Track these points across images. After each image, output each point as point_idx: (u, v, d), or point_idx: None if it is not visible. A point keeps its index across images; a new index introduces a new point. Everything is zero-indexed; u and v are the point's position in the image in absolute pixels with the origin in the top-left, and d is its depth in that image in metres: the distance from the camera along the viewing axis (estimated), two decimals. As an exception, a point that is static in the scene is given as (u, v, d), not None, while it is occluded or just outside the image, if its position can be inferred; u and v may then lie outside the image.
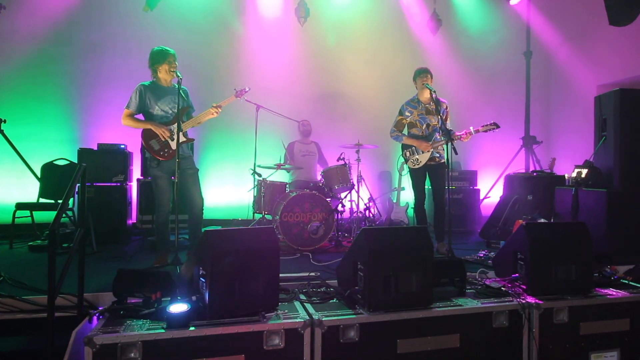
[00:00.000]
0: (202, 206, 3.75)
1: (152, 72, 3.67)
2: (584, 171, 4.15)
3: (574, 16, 6.59)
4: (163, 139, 3.54)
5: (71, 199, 4.48)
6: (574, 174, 4.25)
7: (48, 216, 4.46)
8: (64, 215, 4.42)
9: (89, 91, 5.71)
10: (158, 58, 3.61)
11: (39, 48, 5.53)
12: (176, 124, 3.48)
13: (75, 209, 4.65)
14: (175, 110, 3.58)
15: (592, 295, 2.59)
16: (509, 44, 7.12)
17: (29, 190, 4.86)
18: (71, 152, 5.19)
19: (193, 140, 3.73)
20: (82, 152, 4.85)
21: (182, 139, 3.55)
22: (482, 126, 4.04)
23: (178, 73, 3.53)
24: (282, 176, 5.68)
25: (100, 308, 2.19)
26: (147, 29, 5.76)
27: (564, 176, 4.80)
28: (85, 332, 1.92)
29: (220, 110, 3.65)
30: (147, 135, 3.54)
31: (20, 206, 4.40)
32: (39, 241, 4.30)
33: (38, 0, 5.50)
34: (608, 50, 6.07)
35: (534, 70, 7.12)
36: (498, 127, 4.00)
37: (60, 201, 2.37)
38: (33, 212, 4.58)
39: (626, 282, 2.90)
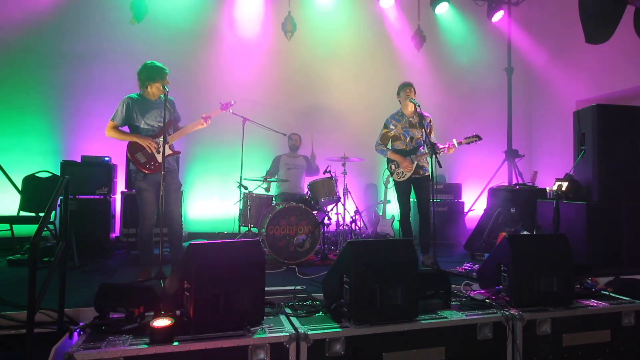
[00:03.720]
0: (181, 223, 3.73)
1: (140, 85, 3.59)
2: (565, 184, 4.24)
3: (553, 34, 6.81)
4: (149, 152, 3.51)
5: (53, 212, 4.39)
6: (555, 187, 4.34)
7: (28, 230, 4.36)
8: (45, 228, 4.34)
9: (72, 102, 5.64)
10: (154, 75, 3.53)
11: (22, 57, 5.47)
12: (162, 136, 3.46)
13: (57, 222, 4.57)
14: (162, 124, 3.56)
15: (573, 306, 2.64)
16: (491, 60, 7.31)
17: (9, 203, 4.76)
18: (54, 164, 5.11)
19: (179, 152, 3.70)
20: (65, 164, 4.78)
21: (168, 151, 3.53)
22: (465, 138, 4.12)
23: (165, 87, 3.50)
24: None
25: (81, 324, 2.15)
26: (134, 41, 5.75)
27: (545, 189, 4.89)
28: (65, 349, 1.88)
29: (209, 121, 3.64)
30: (133, 147, 3.50)
31: (-1, 219, 4.30)
32: (18, 255, 4.18)
33: (22, 9, 5.45)
34: (586, 67, 6.27)
35: (516, 86, 7.29)
36: (480, 138, 4.09)
37: (41, 214, 2.33)
38: (13, 225, 4.48)
39: (607, 293, 2.96)
